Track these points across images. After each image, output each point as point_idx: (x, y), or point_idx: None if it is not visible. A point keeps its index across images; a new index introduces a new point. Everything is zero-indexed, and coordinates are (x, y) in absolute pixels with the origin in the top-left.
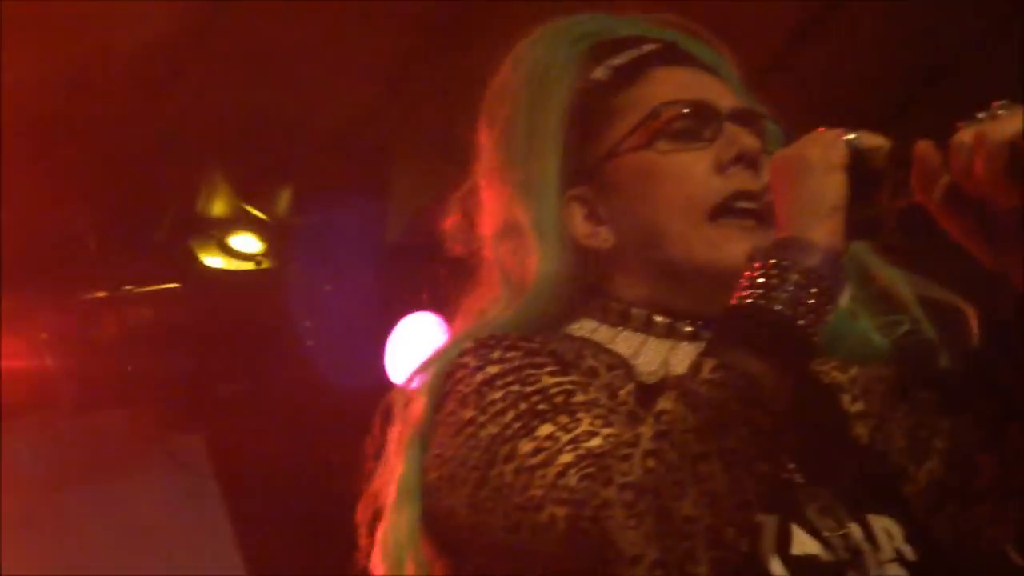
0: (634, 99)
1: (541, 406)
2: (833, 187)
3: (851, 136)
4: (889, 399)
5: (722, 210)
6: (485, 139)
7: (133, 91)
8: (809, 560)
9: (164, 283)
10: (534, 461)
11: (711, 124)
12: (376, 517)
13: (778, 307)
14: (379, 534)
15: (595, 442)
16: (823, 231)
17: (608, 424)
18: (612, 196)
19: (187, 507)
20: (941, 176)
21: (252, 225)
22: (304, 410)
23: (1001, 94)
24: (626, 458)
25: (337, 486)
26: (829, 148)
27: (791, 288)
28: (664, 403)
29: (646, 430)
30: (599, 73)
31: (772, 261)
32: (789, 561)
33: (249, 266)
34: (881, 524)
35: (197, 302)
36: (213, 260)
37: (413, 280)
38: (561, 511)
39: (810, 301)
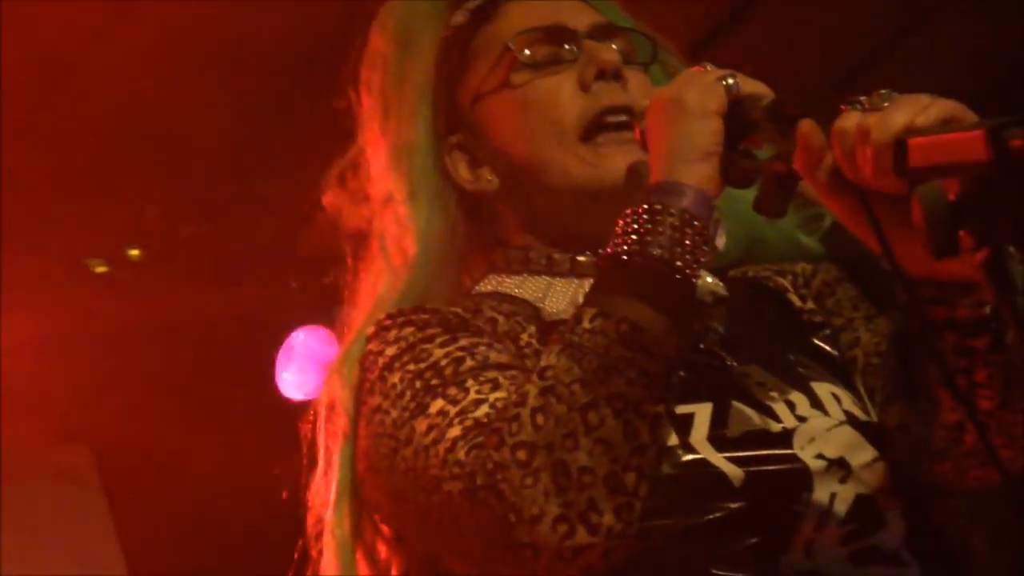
0: (491, 37)
1: (433, 381)
2: (708, 132)
3: (730, 81)
4: (824, 287)
5: (593, 128)
6: (363, 107)
7: None
8: (753, 435)
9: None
10: (427, 440)
11: (568, 44)
12: (319, 523)
13: (656, 251)
14: (325, 536)
15: (482, 410)
16: (696, 175)
17: (496, 387)
18: (487, 137)
19: (73, 517)
20: (825, 157)
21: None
22: (196, 419)
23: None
24: (515, 418)
25: (224, 493)
26: (707, 92)
27: (667, 231)
28: (547, 358)
29: (531, 388)
30: (458, 18)
31: (645, 206)
32: (730, 443)
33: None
34: (826, 390)
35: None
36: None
37: (302, 293)
38: (456, 486)
39: (687, 242)
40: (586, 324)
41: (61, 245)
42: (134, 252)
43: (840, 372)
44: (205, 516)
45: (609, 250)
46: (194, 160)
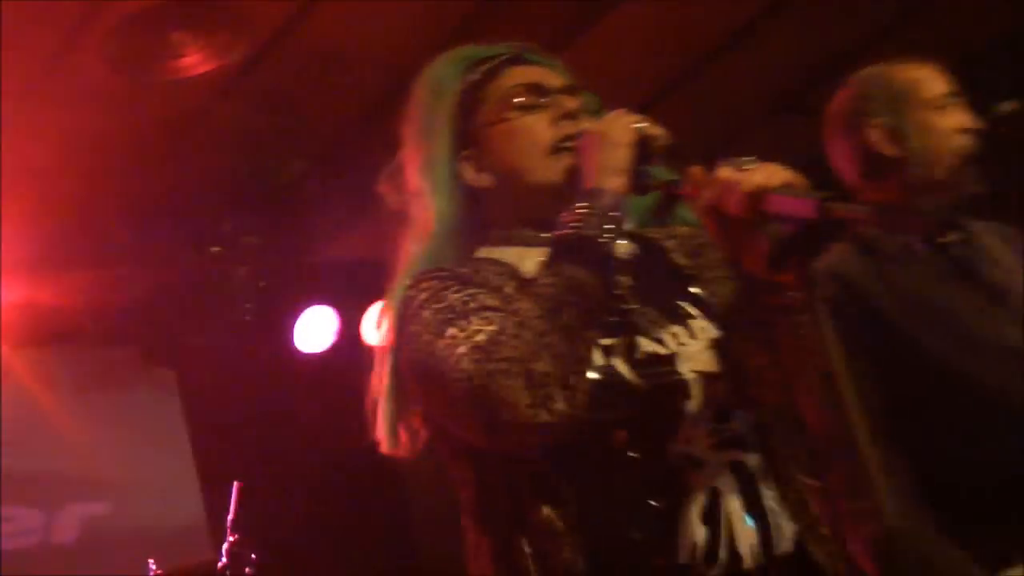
0: (496, 87)
1: (449, 316)
2: (622, 157)
3: (639, 124)
4: (697, 249)
5: (556, 148)
6: (405, 134)
7: None
8: (650, 357)
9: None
10: (444, 354)
11: (545, 95)
12: (375, 405)
13: (588, 232)
14: (379, 411)
15: (479, 337)
16: (613, 184)
17: (490, 322)
18: (489, 152)
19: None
20: (704, 192)
21: None
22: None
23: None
24: (500, 342)
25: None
26: (623, 129)
27: (595, 220)
28: (520, 303)
29: (511, 322)
30: (473, 76)
31: (582, 204)
32: (636, 362)
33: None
34: (698, 325)
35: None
36: None
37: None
38: (462, 384)
39: (606, 226)
40: (544, 280)
41: None
42: None
43: (707, 312)
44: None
45: (558, 233)
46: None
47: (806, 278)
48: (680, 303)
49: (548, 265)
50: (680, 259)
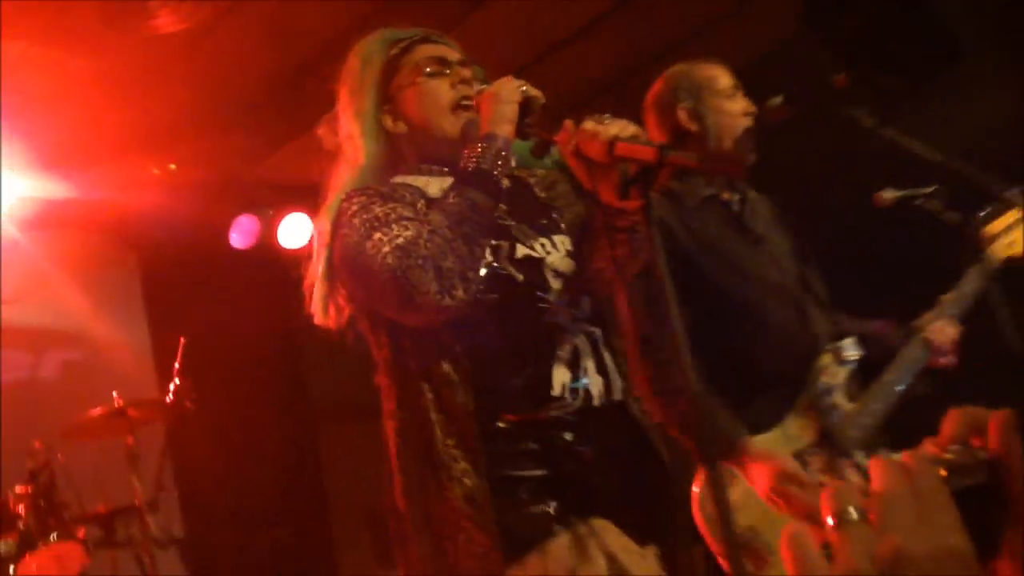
0: (410, 59)
1: (375, 223)
2: (510, 111)
3: (523, 88)
4: (551, 184)
5: (455, 107)
6: (340, 92)
7: None
8: (525, 258)
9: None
10: (372, 251)
11: (447, 66)
12: (311, 287)
13: (484, 166)
14: (314, 294)
15: (399, 240)
16: (503, 131)
17: (408, 228)
18: (404, 107)
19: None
20: (572, 139)
21: None
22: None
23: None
24: (416, 244)
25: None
26: (511, 90)
27: (490, 158)
28: (432, 216)
29: (424, 229)
30: (394, 50)
31: (481, 144)
32: (515, 263)
33: None
34: (560, 239)
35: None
36: None
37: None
38: (386, 274)
39: (498, 162)
40: (451, 200)
41: None
42: None
43: (562, 230)
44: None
45: (461, 165)
46: None
47: (645, 206)
48: (544, 222)
49: (453, 188)
50: (540, 192)
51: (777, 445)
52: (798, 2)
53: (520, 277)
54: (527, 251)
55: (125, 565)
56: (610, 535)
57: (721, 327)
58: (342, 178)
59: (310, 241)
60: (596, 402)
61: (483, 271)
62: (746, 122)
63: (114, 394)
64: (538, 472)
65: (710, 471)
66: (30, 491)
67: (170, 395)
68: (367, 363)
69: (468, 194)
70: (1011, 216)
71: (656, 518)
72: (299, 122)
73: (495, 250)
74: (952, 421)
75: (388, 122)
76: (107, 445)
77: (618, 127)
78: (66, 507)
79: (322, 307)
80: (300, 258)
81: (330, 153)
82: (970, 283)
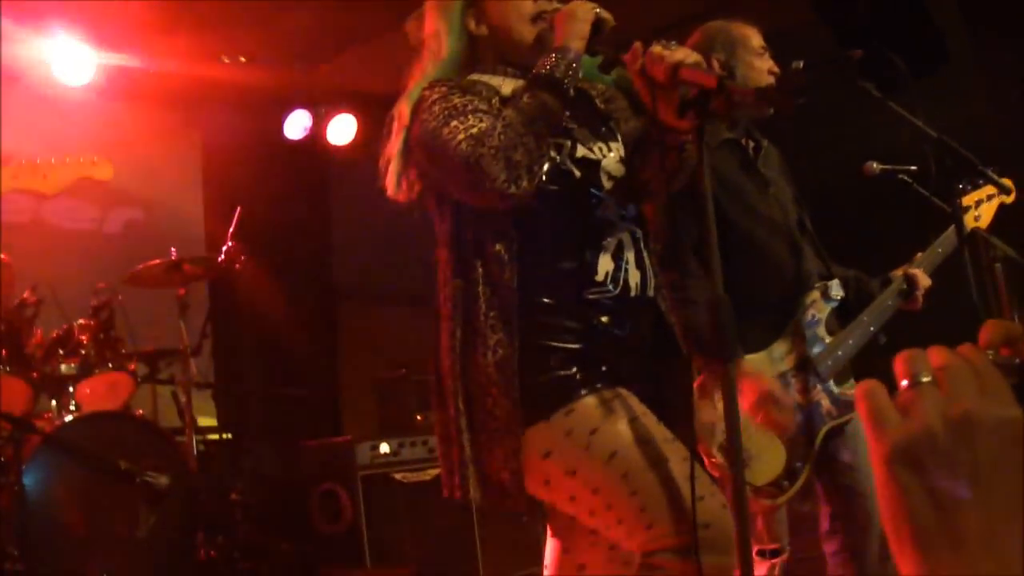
0: None
1: (453, 112)
2: (583, 28)
3: (597, 8)
4: (610, 98)
5: (535, 18)
6: (428, 5)
7: None
8: (583, 158)
9: None
10: (448, 136)
11: None
12: (387, 163)
13: (557, 74)
14: (390, 170)
15: (475, 129)
16: (576, 45)
17: (483, 120)
18: (487, 12)
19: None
20: (639, 60)
21: None
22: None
23: None
24: (490, 135)
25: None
26: (585, 10)
27: (562, 67)
28: (507, 111)
29: (499, 123)
30: None
31: (554, 55)
32: (575, 161)
33: None
34: (615, 144)
35: None
36: None
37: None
38: (459, 158)
39: (569, 72)
40: (525, 98)
41: None
42: None
43: (620, 138)
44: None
45: (536, 70)
46: None
47: (698, 127)
48: (603, 130)
49: (527, 89)
50: (600, 104)
51: (764, 366)
52: None
53: (578, 174)
54: (586, 152)
55: (163, 399)
56: (633, 401)
57: (726, 255)
58: (425, 69)
59: (355, 137)
60: (633, 293)
61: (546, 165)
62: (769, 79)
63: (172, 249)
64: (573, 345)
65: (724, 375)
66: (93, 324)
67: (222, 255)
68: (388, 255)
69: (541, 96)
70: (983, 192)
71: (670, 409)
72: (360, 31)
73: (558, 148)
74: (989, 330)
75: (471, 23)
76: (161, 294)
77: (683, 53)
78: (121, 342)
79: (395, 181)
80: (344, 154)
81: (414, 48)
82: (942, 244)
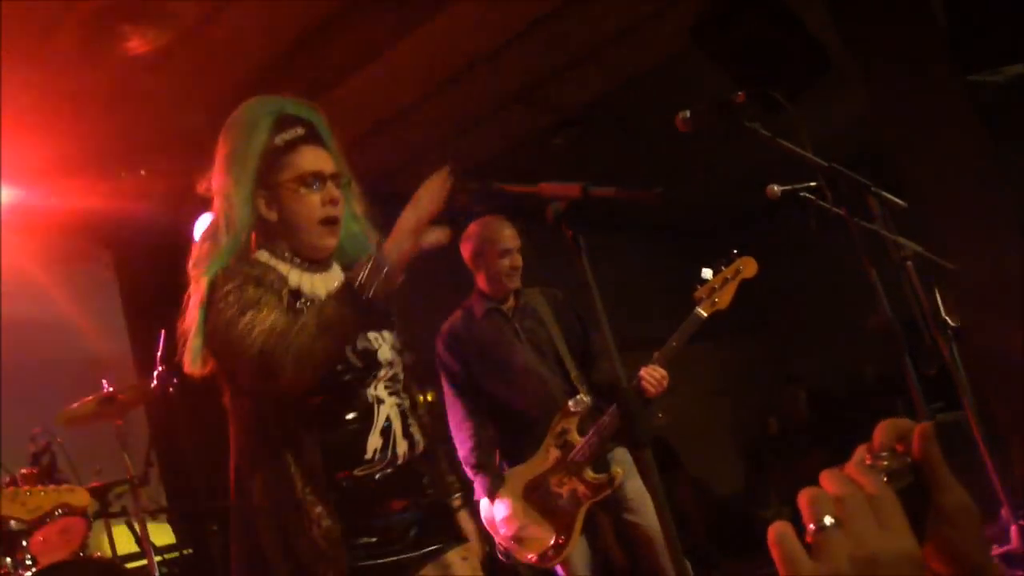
0: (291, 162)
1: (247, 304)
2: (407, 245)
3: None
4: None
5: (323, 221)
6: (219, 154)
7: None
8: (365, 349)
9: None
10: (243, 331)
11: (323, 181)
12: (185, 335)
13: (363, 283)
14: (188, 343)
15: (267, 324)
16: (394, 257)
17: (273, 314)
18: (278, 202)
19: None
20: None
21: None
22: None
23: None
24: (287, 335)
25: None
26: (440, 190)
27: (371, 277)
28: (307, 316)
29: (297, 327)
30: (277, 141)
31: (368, 264)
32: (357, 351)
33: None
34: (386, 336)
35: None
36: None
37: None
38: (251, 352)
39: (375, 284)
40: (328, 308)
41: None
42: None
43: (392, 326)
44: None
45: (347, 278)
46: None
47: (574, 237)
48: (378, 320)
49: (337, 298)
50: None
51: (532, 466)
52: (688, 19)
53: (357, 362)
54: (367, 344)
55: (117, 525)
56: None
57: (501, 410)
58: (218, 241)
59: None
60: (401, 460)
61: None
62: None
63: (103, 382)
64: (361, 522)
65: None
66: (35, 472)
67: (154, 381)
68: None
69: (343, 310)
70: (722, 276)
71: (438, 528)
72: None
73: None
74: (882, 431)
75: (262, 206)
76: (99, 427)
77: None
78: (67, 484)
79: (193, 357)
80: None
81: (204, 197)
82: (682, 334)
